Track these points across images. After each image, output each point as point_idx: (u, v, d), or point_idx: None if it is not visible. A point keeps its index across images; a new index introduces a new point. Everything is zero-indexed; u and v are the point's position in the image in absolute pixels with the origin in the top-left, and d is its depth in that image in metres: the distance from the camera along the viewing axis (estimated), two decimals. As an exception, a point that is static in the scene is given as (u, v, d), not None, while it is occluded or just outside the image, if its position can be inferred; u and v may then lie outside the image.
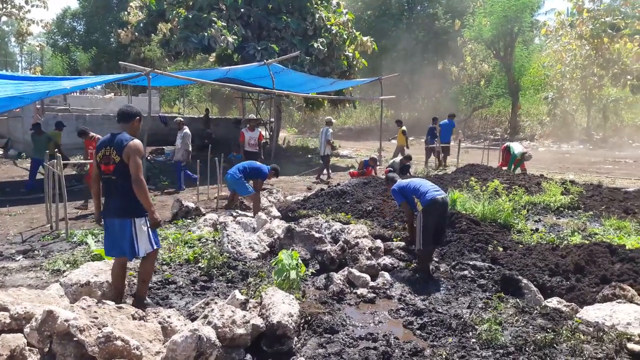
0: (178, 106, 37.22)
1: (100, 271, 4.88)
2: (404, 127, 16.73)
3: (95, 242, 6.89)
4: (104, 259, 5.31)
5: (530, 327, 4.23)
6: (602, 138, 28.03)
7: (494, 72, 35.51)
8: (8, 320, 3.46)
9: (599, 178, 13.67)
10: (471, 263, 5.91)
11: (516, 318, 4.42)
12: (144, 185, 4.25)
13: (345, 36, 19.83)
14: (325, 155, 14.33)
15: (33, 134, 12.01)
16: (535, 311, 4.52)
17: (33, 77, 17.03)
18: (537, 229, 7.70)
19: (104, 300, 4.08)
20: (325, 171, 14.47)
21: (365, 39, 21.32)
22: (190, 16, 16.81)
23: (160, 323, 3.92)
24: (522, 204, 8.96)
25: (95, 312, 3.73)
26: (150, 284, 5.30)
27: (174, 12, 17.35)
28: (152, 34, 19.64)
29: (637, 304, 4.67)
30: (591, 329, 4.14)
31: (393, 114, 40.75)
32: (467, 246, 6.53)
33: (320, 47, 18.35)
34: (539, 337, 3.95)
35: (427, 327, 4.45)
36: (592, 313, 4.54)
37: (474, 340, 4.11)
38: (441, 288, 5.44)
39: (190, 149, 12.06)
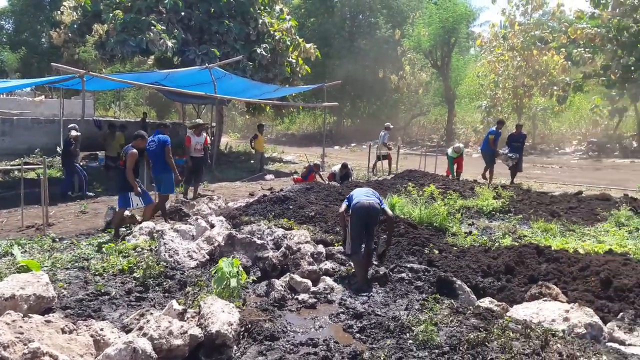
0: (114, 110, 35.78)
1: (27, 283, 4.60)
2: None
3: (21, 252, 6.50)
4: (31, 271, 5.01)
5: (464, 326, 4.39)
6: (531, 145, 29.63)
7: (432, 81, 36.73)
8: None
9: (528, 183, 14.46)
10: (408, 266, 6.06)
11: (451, 318, 4.57)
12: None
13: (288, 42, 19.89)
14: (383, 155, 15.69)
15: None
16: (469, 311, 4.69)
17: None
18: (470, 232, 8.02)
19: (30, 315, 3.86)
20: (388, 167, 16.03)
21: (308, 45, 21.47)
22: (128, 19, 16.27)
23: (92, 336, 3.75)
24: (456, 208, 9.32)
25: (20, 327, 3.53)
26: (81, 296, 5.09)
27: (111, 14, 16.70)
28: (87, 35, 18.83)
29: (561, 301, 4.97)
30: (519, 326, 4.35)
31: (335, 120, 41.27)
32: (405, 249, 6.70)
33: (264, 52, 18.31)
34: (472, 336, 4.11)
35: (366, 330, 4.53)
36: (520, 311, 4.79)
37: (410, 341, 4.21)
38: (380, 291, 5.55)
39: None
